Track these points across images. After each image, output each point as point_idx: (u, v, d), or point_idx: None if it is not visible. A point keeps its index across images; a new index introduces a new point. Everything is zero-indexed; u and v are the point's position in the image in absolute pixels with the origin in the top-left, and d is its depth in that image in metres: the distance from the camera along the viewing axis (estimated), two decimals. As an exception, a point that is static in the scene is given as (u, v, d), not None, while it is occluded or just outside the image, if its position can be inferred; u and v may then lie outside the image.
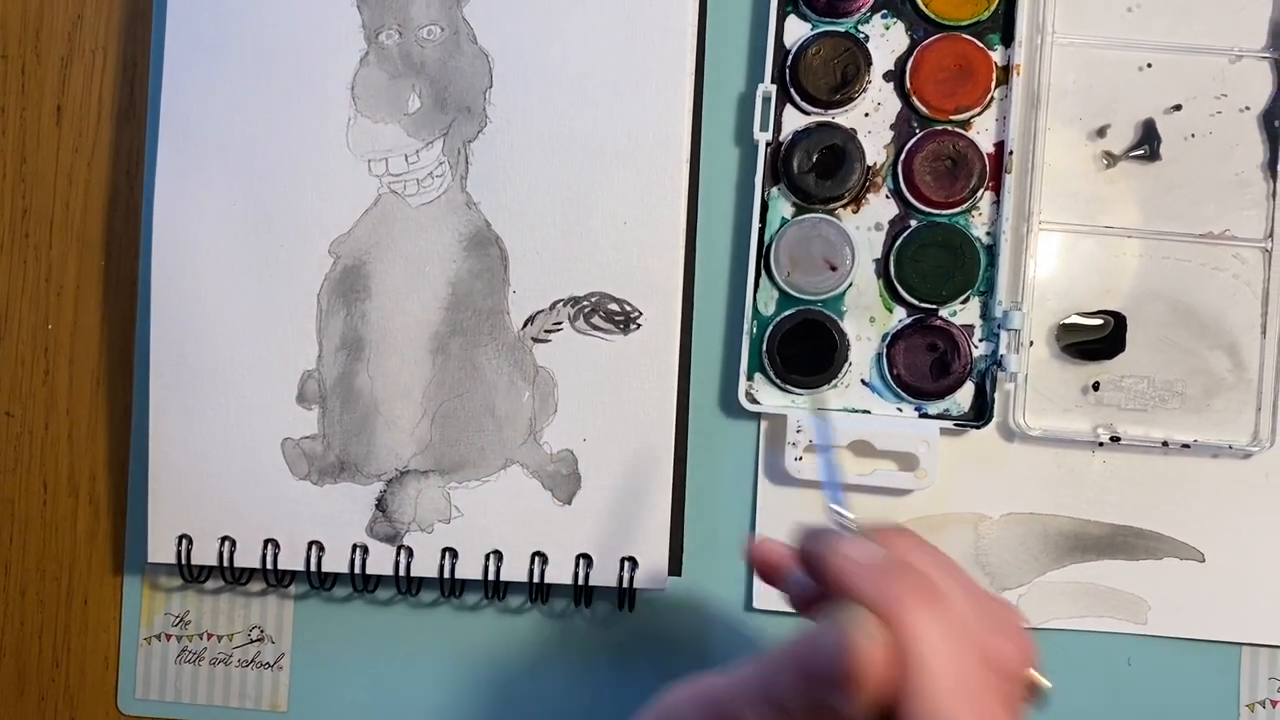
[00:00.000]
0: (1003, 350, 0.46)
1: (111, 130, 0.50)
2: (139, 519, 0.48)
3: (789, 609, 0.36)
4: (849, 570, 0.32)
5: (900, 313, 0.47)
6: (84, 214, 0.50)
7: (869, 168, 0.47)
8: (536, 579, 0.46)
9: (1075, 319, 0.47)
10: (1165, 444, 0.46)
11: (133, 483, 0.49)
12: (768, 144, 0.46)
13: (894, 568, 0.32)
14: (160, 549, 0.47)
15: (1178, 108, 0.47)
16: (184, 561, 0.47)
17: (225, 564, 0.47)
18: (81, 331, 0.50)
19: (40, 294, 0.50)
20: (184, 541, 0.47)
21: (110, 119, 0.50)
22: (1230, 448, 0.46)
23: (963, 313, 0.47)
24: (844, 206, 0.47)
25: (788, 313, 0.47)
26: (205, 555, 0.47)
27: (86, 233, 0.50)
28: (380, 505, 0.46)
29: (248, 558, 0.47)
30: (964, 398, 0.47)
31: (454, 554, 0.46)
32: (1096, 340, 0.46)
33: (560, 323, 0.46)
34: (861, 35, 0.47)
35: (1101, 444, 0.46)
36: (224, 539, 0.47)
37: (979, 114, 0.47)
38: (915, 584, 0.32)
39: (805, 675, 0.31)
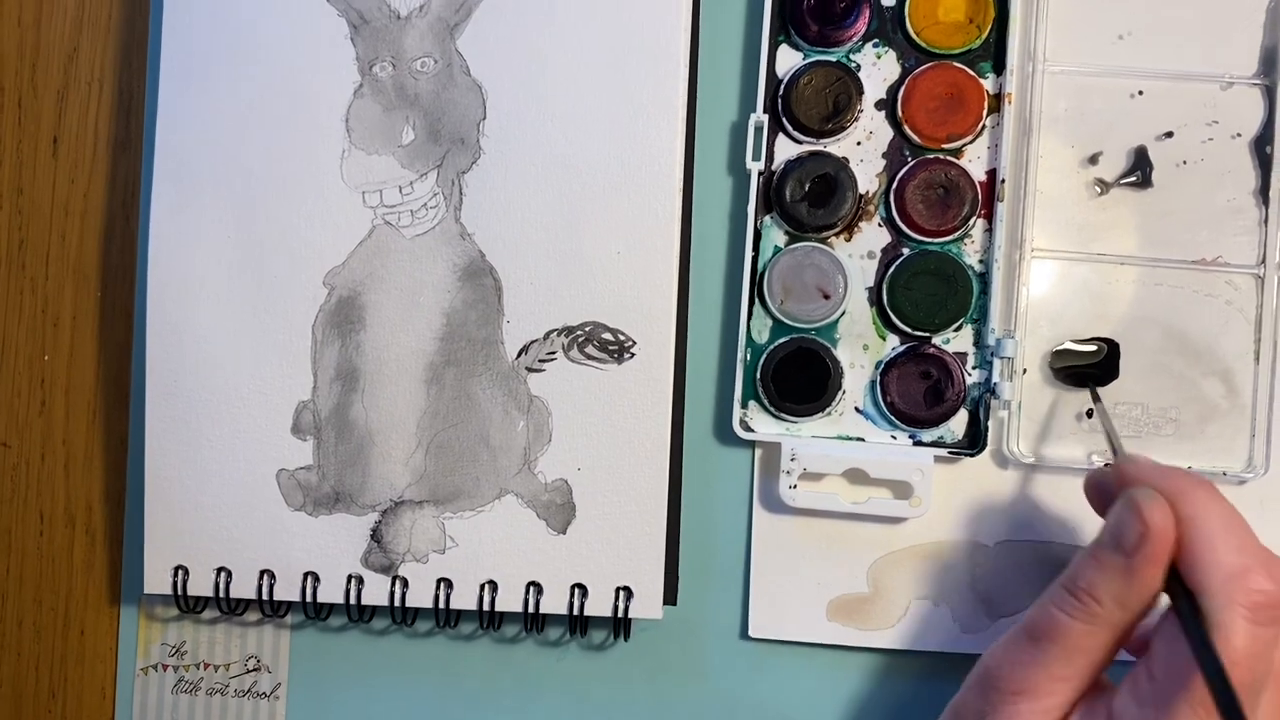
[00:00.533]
0: (996, 378, 0.46)
1: (108, 161, 0.50)
2: (135, 550, 0.48)
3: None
4: (1134, 471, 0.38)
5: (893, 340, 0.47)
6: (80, 245, 0.50)
7: (861, 196, 0.47)
8: (531, 609, 0.46)
9: (1069, 345, 0.47)
10: (1159, 471, 0.46)
11: (129, 514, 0.49)
12: (760, 173, 0.47)
13: (1173, 469, 0.38)
14: (156, 580, 0.47)
15: (1169, 135, 0.47)
16: (180, 592, 0.47)
17: (221, 595, 0.47)
18: (78, 362, 0.50)
19: (37, 325, 0.50)
20: (180, 572, 0.47)
21: (107, 150, 0.50)
22: (1225, 475, 0.46)
23: (955, 340, 0.47)
24: (836, 235, 0.47)
25: (781, 341, 0.47)
26: (201, 586, 0.47)
27: (83, 264, 0.50)
28: (375, 536, 0.47)
29: (244, 588, 0.47)
30: (958, 425, 0.47)
31: (449, 584, 0.46)
32: (1090, 366, 0.46)
33: (554, 352, 0.46)
34: (853, 64, 0.47)
35: (1096, 471, 0.46)
36: (220, 570, 0.47)
37: (970, 142, 0.47)
38: (1193, 477, 0.37)
39: (1112, 547, 0.36)
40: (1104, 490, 0.40)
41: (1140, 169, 0.47)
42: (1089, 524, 0.47)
